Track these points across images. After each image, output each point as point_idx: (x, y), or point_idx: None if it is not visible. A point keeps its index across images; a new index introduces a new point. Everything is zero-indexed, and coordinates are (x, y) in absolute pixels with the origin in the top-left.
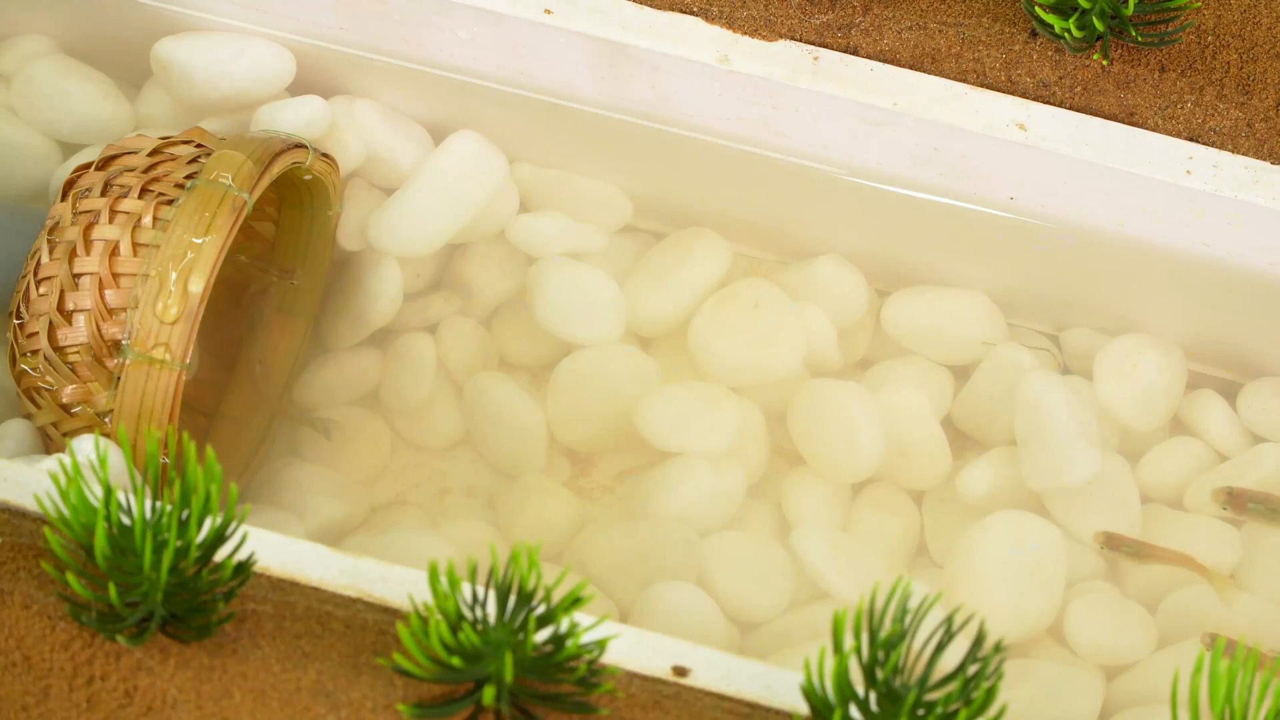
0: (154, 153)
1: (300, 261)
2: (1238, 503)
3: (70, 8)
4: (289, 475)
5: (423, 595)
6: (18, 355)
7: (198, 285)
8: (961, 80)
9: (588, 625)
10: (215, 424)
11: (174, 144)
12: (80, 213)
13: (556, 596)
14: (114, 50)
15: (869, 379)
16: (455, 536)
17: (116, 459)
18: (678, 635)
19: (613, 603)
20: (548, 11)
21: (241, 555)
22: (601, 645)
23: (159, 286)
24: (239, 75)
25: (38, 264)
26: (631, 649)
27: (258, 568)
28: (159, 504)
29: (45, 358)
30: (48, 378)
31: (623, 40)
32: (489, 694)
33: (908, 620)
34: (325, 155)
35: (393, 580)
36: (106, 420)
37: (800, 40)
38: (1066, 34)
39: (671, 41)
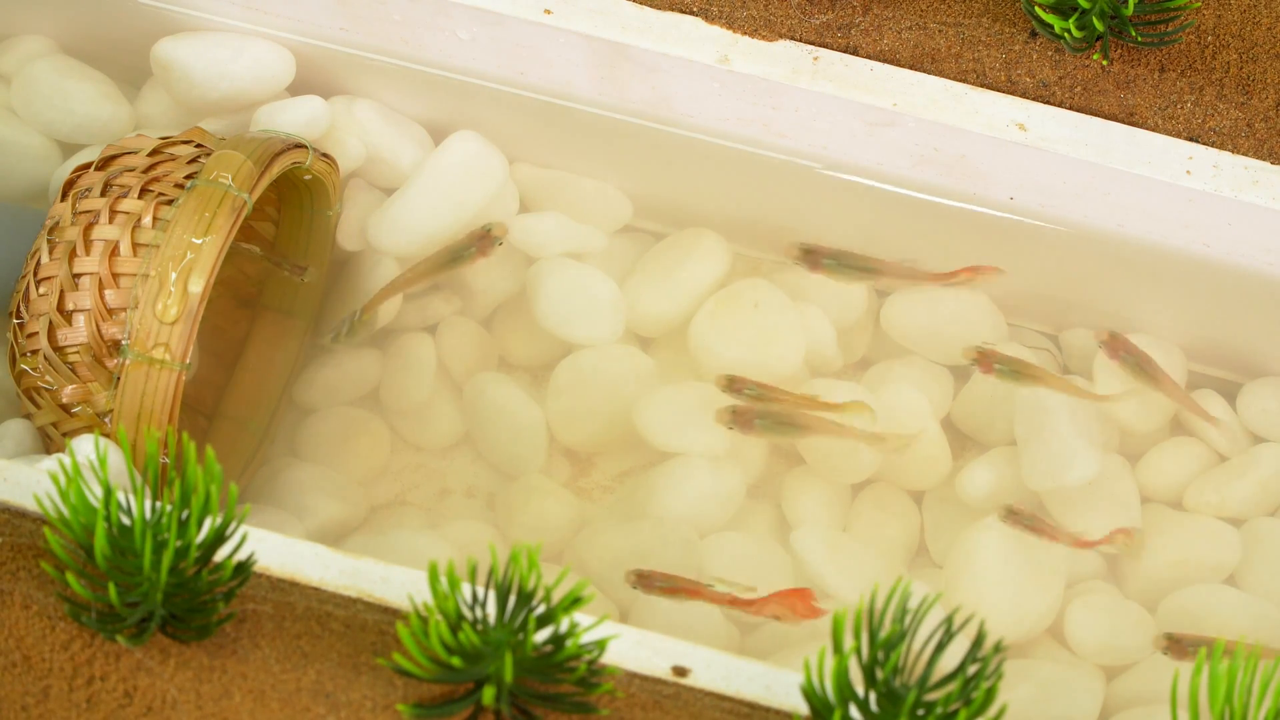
0: (154, 153)
1: (300, 261)
2: (986, 363)
3: (70, 8)
4: (289, 475)
5: (423, 595)
6: (18, 355)
7: (198, 285)
8: (961, 80)
9: (588, 625)
10: (215, 424)
11: (174, 144)
12: (80, 213)
13: (556, 596)
14: (114, 50)
15: (869, 379)
16: (455, 536)
17: (116, 459)
18: (678, 635)
19: (613, 603)
20: (548, 11)
21: (241, 555)
22: (601, 645)
23: (159, 286)
24: (239, 75)
25: (38, 264)
26: (631, 649)
27: (257, 568)
28: (159, 504)
29: (45, 358)
30: (48, 378)
31: (623, 40)
32: (489, 694)
33: (908, 620)
34: (325, 155)
35: (393, 580)
36: (106, 420)
37: (800, 40)
38: (1066, 34)
39: (671, 41)
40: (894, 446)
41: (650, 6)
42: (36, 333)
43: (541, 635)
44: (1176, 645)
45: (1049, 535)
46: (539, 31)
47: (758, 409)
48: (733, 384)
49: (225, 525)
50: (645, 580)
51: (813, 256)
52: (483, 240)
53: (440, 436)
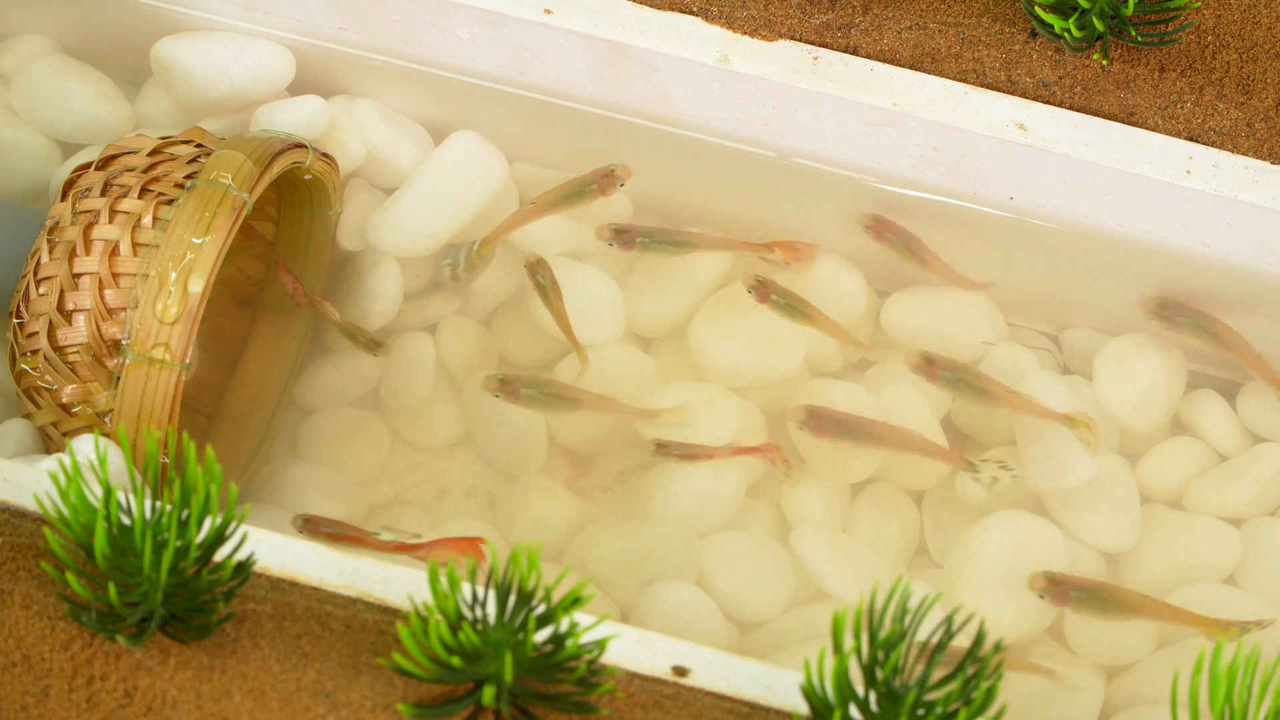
0: (154, 153)
1: (300, 261)
2: (930, 372)
3: (70, 8)
4: (289, 475)
5: (423, 595)
6: (18, 355)
7: (198, 285)
8: (961, 80)
9: (588, 625)
10: (215, 424)
11: (174, 144)
12: (80, 213)
13: (556, 596)
14: (114, 50)
15: (869, 379)
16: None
17: (116, 459)
18: (678, 635)
19: (613, 603)
20: (548, 11)
21: (241, 555)
22: (601, 645)
23: (159, 286)
24: (239, 75)
25: (38, 264)
26: (631, 649)
27: (257, 568)
28: (159, 504)
29: (45, 358)
30: (47, 378)
31: (623, 40)
32: (489, 694)
33: (908, 620)
34: (325, 155)
35: (393, 580)
36: (106, 420)
37: (800, 40)
38: (1066, 34)
39: (671, 41)
40: (668, 420)
41: (650, 6)
42: (36, 333)
43: (541, 635)
44: (1057, 587)
45: (705, 456)
46: (539, 31)
47: (524, 379)
48: (538, 265)
49: (225, 525)
50: (311, 526)
51: (626, 236)
52: (605, 179)
53: (440, 436)
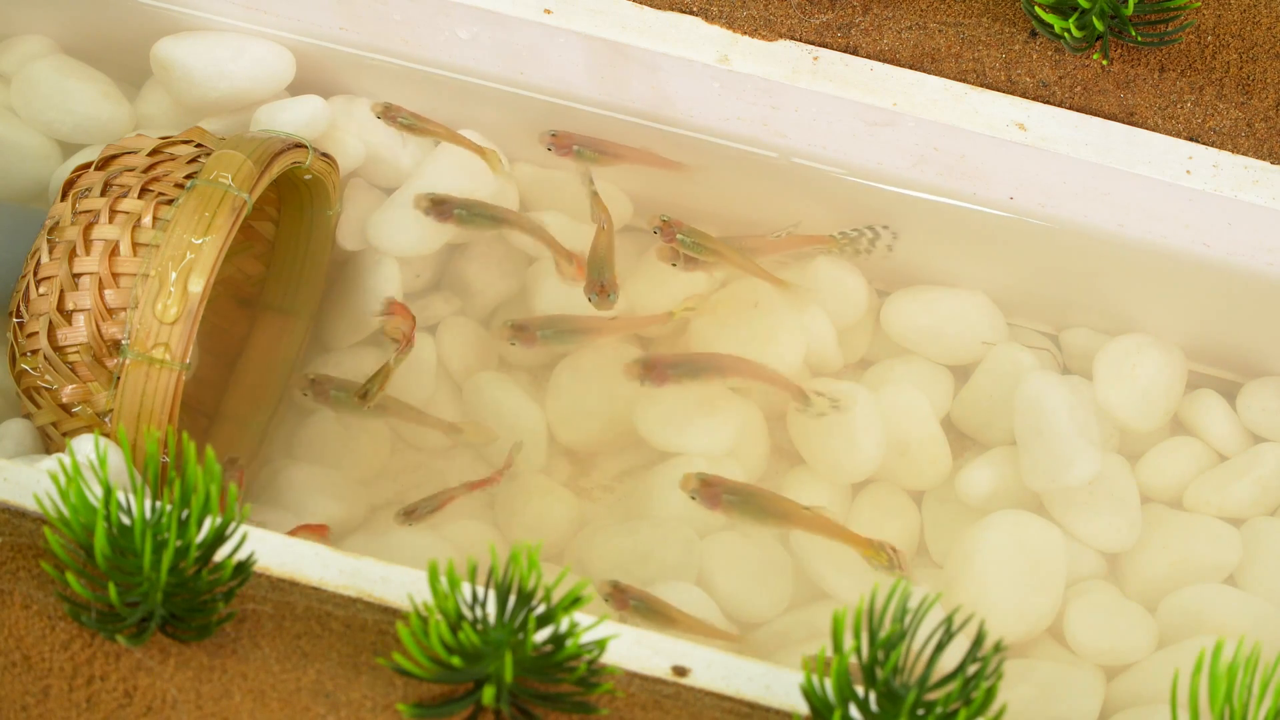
0: (154, 153)
1: (300, 261)
2: (668, 232)
3: (70, 8)
4: (289, 475)
5: (423, 595)
6: (18, 355)
7: (198, 285)
8: (961, 80)
9: (587, 625)
10: (215, 424)
11: (174, 144)
12: (80, 213)
13: (556, 596)
14: (114, 50)
15: (869, 379)
16: (455, 536)
17: (116, 459)
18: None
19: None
20: (548, 11)
21: (241, 555)
22: (601, 645)
23: (159, 286)
24: (239, 75)
25: (37, 264)
26: (631, 649)
27: (257, 568)
28: (159, 504)
29: (45, 358)
30: (47, 377)
31: (622, 40)
32: (489, 694)
33: (907, 620)
34: (325, 155)
35: (393, 580)
36: (106, 420)
37: (800, 40)
38: (1066, 34)
39: (671, 41)
40: (473, 439)
41: (650, 6)
42: (36, 332)
43: (541, 635)
44: (619, 594)
45: (447, 500)
46: (539, 31)
47: (334, 380)
48: (387, 111)
49: (225, 525)
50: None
51: (443, 207)
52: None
53: (440, 436)
